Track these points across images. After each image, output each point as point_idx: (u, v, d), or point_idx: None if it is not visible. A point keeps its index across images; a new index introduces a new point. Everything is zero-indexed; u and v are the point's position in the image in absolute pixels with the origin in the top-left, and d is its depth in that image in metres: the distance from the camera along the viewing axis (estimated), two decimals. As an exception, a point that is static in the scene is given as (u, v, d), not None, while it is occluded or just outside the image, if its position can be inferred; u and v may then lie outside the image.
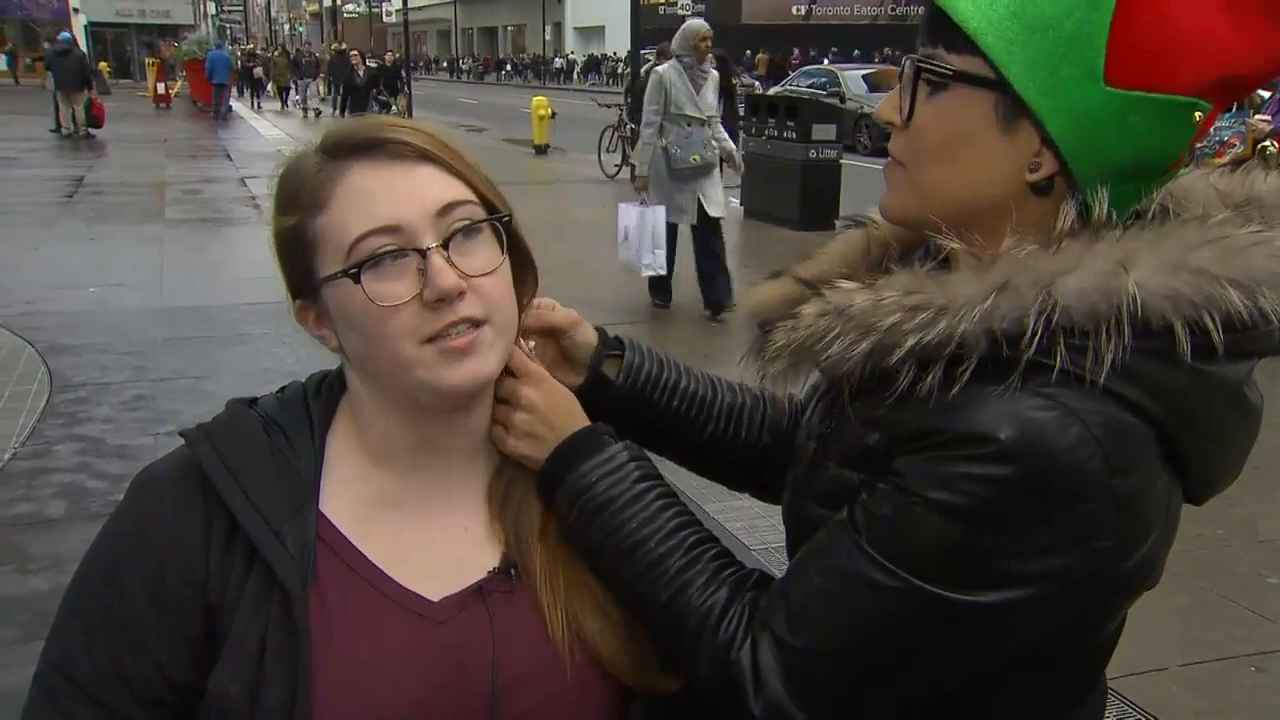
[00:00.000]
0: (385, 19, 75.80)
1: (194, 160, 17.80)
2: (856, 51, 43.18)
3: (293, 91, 31.62)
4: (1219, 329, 0.88)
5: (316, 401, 1.09)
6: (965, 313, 0.91)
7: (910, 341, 0.92)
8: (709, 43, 7.68)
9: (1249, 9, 0.90)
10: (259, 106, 31.61)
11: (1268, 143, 8.07)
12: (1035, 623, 0.93)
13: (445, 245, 0.97)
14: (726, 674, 0.98)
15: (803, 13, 54.17)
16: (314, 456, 1.05)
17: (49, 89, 21.71)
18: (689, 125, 7.52)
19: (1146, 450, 0.91)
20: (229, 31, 61.69)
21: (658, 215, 7.56)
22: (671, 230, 7.77)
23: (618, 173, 15.65)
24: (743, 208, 12.23)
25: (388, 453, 1.07)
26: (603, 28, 63.78)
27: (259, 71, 33.06)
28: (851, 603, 0.94)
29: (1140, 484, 0.91)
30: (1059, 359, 0.89)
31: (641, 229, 7.56)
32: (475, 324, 0.98)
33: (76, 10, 40.40)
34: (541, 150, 19.11)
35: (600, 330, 1.26)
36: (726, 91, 10.34)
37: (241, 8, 73.05)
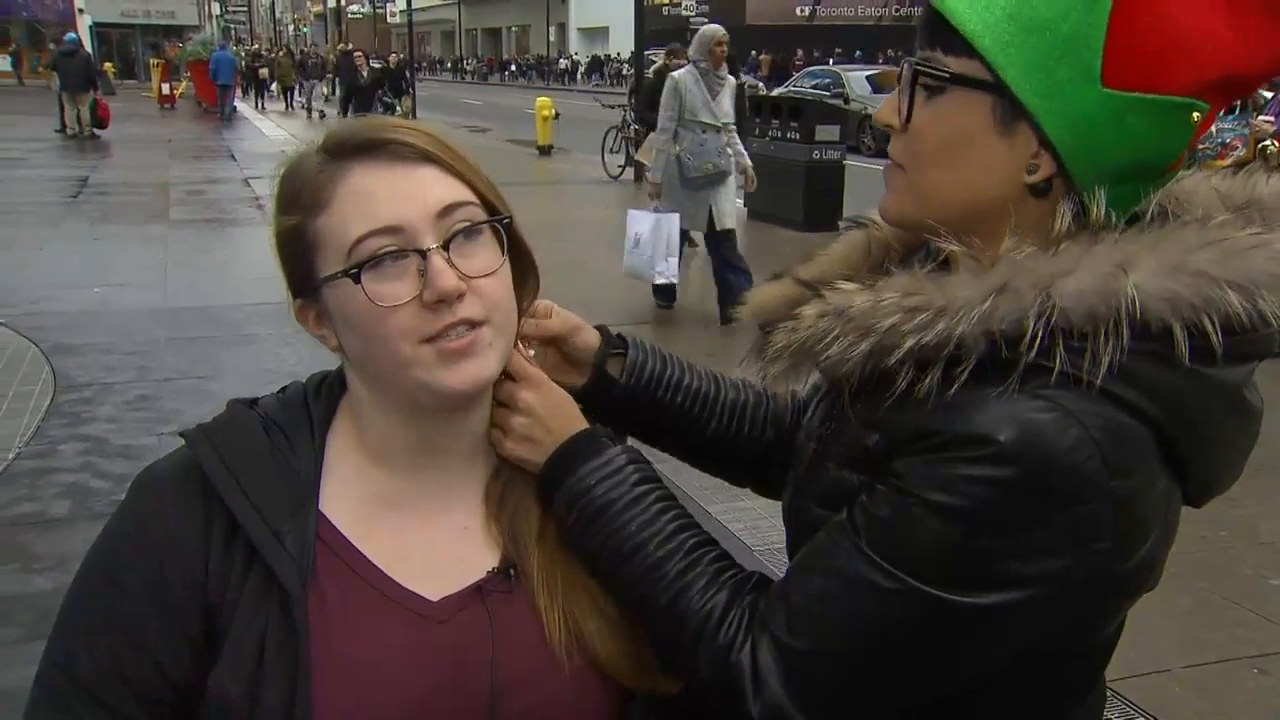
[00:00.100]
0: (389, 20, 75.93)
1: (198, 161, 17.82)
2: (858, 52, 43.17)
3: (296, 93, 31.64)
4: (1218, 331, 0.88)
5: (317, 402, 1.09)
6: (964, 314, 0.91)
7: (909, 343, 0.93)
8: (724, 48, 7.52)
9: (1248, 9, 0.90)
10: (263, 107, 31.63)
11: (1269, 142, 8.06)
12: (1034, 624, 0.93)
13: (445, 246, 0.97)
14: (726, 676, 0.98)
15: (807, 14, 54.15)
16: (314, 456, 1.05)
17: (54, 89, 21.75)
18: (704, 132, 7.38)
19: (1145, 452, 0.92)
20: (233, 32, 61.80)
21: (673, 223, 7.40)
22: (682, 235, 7.64)
23: (621, 174, 15.67)
24: (747, 209, 12.24)
25: (387, 453, 1.07)
26: (607, 29, 63.78)
27: (264, 72, 33.06)
28: (851, 604, 0.94)
29: (1139, 486, 0.91)
30: (1058, 361, 0.89)
31: (656, 236, 7.39)
32: (474, 325, 0.98)
33: (82, 11, 40.52)
34: (545, 151, 19.12)
35: (603, 329, 1.26)
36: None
37: (246, 8, 73.18)
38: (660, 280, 7.66)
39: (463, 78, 74.03)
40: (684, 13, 52.55)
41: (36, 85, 34.53)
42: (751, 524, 4.29)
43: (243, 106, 30.97)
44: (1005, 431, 0.88)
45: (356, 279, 0.96)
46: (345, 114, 21.36)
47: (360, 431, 1.08)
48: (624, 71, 47.17)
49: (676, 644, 1.03)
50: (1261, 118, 8.59)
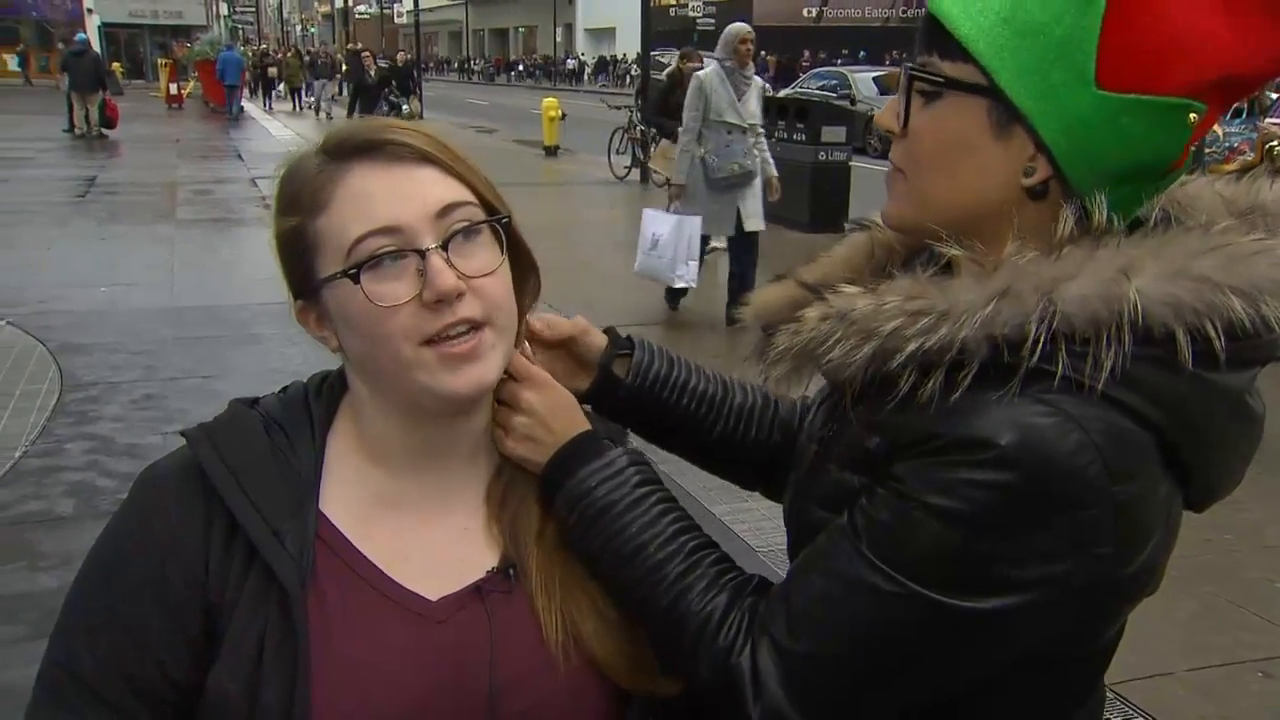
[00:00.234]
0: (397, 20, 76.00)
1: (205, 161, 17.87)
2: (862, 53, 43.12)
3: (304, 93, 31.65)
4: (1221, 337, 0.88)
5: (317, 401, 1.10)
6: (966, 318, 0.91)
7: (911, 346, 0.92)
8: (750, 46, 7.23)
9: (1248, 9, 0.90)
10: (270, 108, 31.68)
11: (1275, 144, 8.04)
12: (1035, 628, 0.93)
13: (444, 246, 0.97)
14: (726, 678, 0.98)
15: (814, 15, 54.12)
16: (314, 456, 1.05)
17: (63, 89, 21.82)
18: (729, 133, 7.13)
19: (1147, 457, 0.91)
20: (241, 32, 61.88)
21: (695, 226, 7.17)
22: (701, 242, 7.41)
23: (627, 174, 15.67)
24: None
25: (388, 453, 1.07)
26: (614, 29, 63.83)
27: (273, 71, 33.10)
28: (851, 608, 0.94)
29: (1140, 490, 0.91)
30: (1060, 365, 0.89)
31: (677, 239, 7.14)
32: (475, 326, 0.99)
33: (91, 11, 40.60)
34: (551, 152, 19.14)
35: (611, 330, 1.27)
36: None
37: (254, 8, 73.28)
38: (679, 284, 7.46)
39: (470, 78, 74.11)
40: (691, 14, 52.52)
41: (44, 85, 34.69)
42: (755, 525, 4.29)
43: (250, 107, 31.03)
44: (1006, 436, 0.88)
45: (356, 279, 0.96)
46: (352, 114, 21.40)
47: (361, 432, 1.08)
48: (631, 72, 47.18)
49: (677, 646, 1.03)
50: (1269, 120, 8.57)
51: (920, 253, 1.10)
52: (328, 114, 27.70)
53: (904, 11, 52.05)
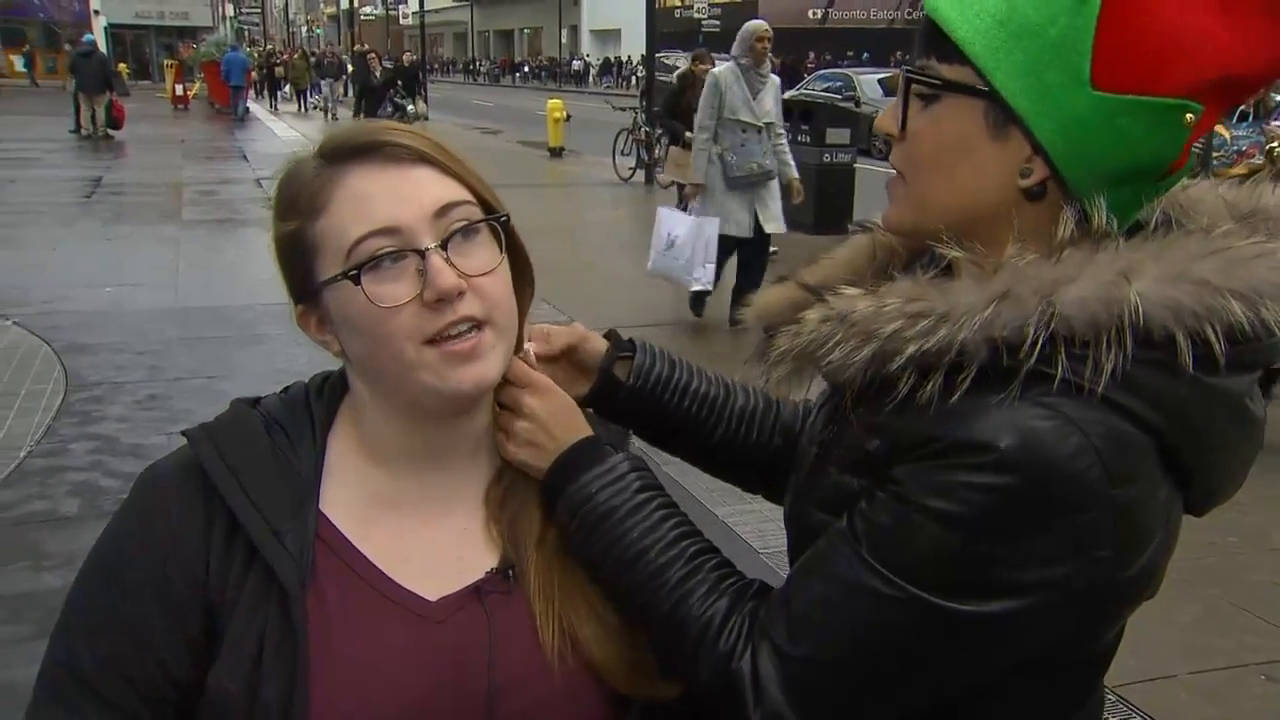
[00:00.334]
0: (402, 21, 76.11)
1: (211, 161, 17.90)
2: (866, 55, 43.09)
3: (309, 94, 31.67)
4: (1221, 340, 0.88)
5: (318, 402, 1.10)
6: (966, 321, 0.91)
7: (911, 348, 0.92)
8: (766, 43, 7.09)
9: (1248, 9, 0.89)
10: (276, 109, 31.72)
11: (1276, 145, 8.02)
12: (1034, 632, 0.93)
13: (444, 245, 0.98)
14: (727, 682, 0.98)
15: (819, 16, 54.11)
16: (315, 456, 1.06)
17: (69, 90, 21.86)
18: (744, 132, 7.01)
19: (1147, 460, 0.91)
20: (247, 33, 61.99)
21: (713, 227, 7.03)
22: (722, 242, 7.18)
23: (631, 176, 15.67)
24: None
25: (388, 454, 1.07)
26: (619, 31, 63.84)
27: (279, 70, 33.11)
28: (851, 612, 0.94)
29: (1140, 494, 0.91)
30: (1060, 368, 0.88)
31: (695, 240, 7.00)
32: (476, 324, 0.99)
33: (97, 12, 40.71)
34: (556, 153, 19.15)
35: (613, 333, 1.27)
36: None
37: (260, 10, 73.40)
38: (697, 287, 7.31)
39: (475, 79, 74.17)
40: (696, 15, 52.56)
41: (50, 86, 34.73)
42: (758, 527, 4.29)
43: (256, 108, 31.07)
44: (1006, 439, 0.88)
45: (356, 280, 0.96)
46: (358, 115, 21.41)
47: (361, 432, 1.08)
48: (637, 74, 47.19)
49: (677, 650, 1.03)
50: (1276, 123, 8.54)
51: (921, 255, 1.10)
52: (333, 115, 27.72)
53: (909, 13, 51.98)
